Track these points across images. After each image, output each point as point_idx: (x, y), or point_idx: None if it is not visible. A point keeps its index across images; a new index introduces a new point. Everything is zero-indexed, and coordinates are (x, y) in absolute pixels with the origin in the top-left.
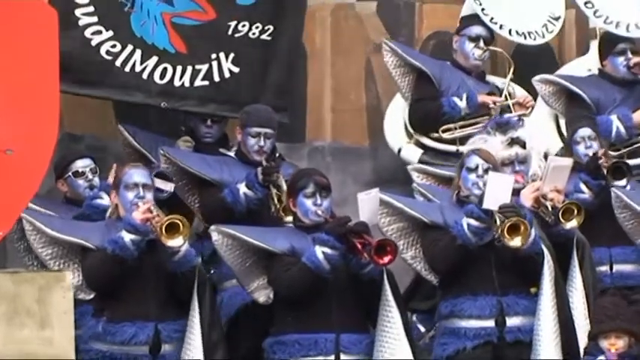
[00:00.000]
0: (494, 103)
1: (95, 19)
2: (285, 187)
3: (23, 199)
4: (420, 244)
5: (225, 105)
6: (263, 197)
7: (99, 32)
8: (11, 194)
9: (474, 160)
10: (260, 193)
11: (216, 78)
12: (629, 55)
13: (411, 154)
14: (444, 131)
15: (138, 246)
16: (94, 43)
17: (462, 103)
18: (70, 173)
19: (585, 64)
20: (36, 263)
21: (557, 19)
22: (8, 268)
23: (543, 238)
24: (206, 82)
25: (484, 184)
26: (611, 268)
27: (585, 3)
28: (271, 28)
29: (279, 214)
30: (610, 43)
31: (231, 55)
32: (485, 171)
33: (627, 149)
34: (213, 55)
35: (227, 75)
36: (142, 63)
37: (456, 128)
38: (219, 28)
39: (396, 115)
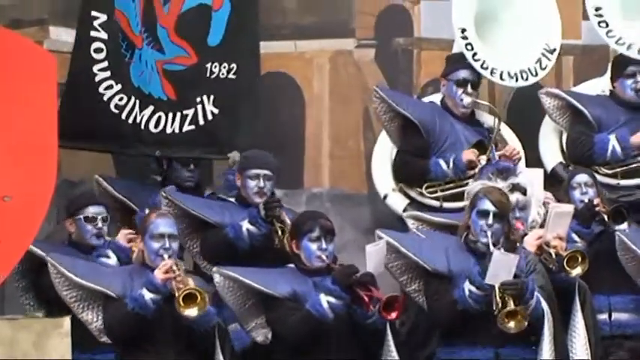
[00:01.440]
0: (480, 161)
1: (108, 73)
2: (288, 220)
3: (22, 245)
4: (424, 290)
5: (211, 147)
6: (267, 233)
7: (110, 87)
8: (10, 240)
9: (486, 205)
10: (264, 229)
11: (201, 121)
12: (638, 78)
13: (397, 202)
14: (427, 188)
15: (157, 304)
16: (106, 98)
17: (448, 170)
18: (81, 216)
19: (600, 85)
20: (32, 303)
21: (552, 51)
22: (6, 313)
23: (544, 286)
24: (192, 127)
25: (492, 235)
26: (610, 316)
27: (599, 22)
28: (234, 66)
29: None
30: (621, 65)
31: (212, 97)
32: (495, 217)
33: (622, 169)
34: (198, 99)
35: (210, 117)
36: (140, 113)
37: (440, 184)
38: (200, 71)
39: (384, 159)
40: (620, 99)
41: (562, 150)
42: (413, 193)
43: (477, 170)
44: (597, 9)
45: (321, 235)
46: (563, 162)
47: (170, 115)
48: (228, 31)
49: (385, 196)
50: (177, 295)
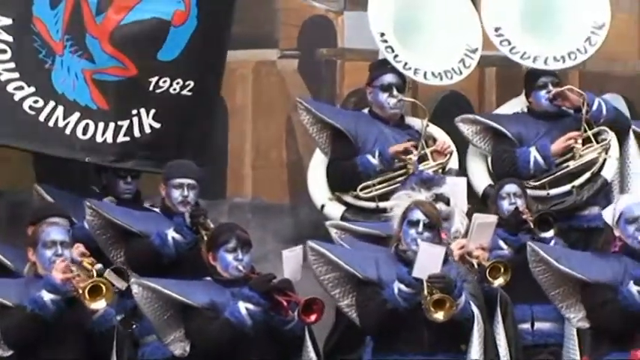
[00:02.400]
0: (407, 149)
1: (17, 74)
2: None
3: None
4: (355, 300)
5: (147, 160)
6: (191, 241)
7: (21, 88)
8: None
9: (416, 215)
10: (189, 237)
11: (137, 134)
12: (550, 87)
13: (334, 210)
14: (362, 189)
15: (58, 305)
16: (17, 98)
17: (374, 160)
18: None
19: (519, 104)
20: None
21: (474, 51)
22: None
23: (476, 294)
24: (127, 138)
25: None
26: (532, 326)
27: (501, 42)
28: (191, 83)
29: None
30: (532, 79)
31: (152, 111)
32: (425, 226)
33: (548, 179)
34: (134, 111)
35: (148, 130)
36: (64, 119)
37: (374, 185)
38: (140, 84)
39: (319, 170)
40: (537, 112)
41: (489, 172)
42: (348, 199)
43: (407, 160)
44: (497, 29)
45: (238, 245)
46: (492, 184)
47: (101, 124)
48: (189, 48)
49: (322, 207)
50: (81, 290)
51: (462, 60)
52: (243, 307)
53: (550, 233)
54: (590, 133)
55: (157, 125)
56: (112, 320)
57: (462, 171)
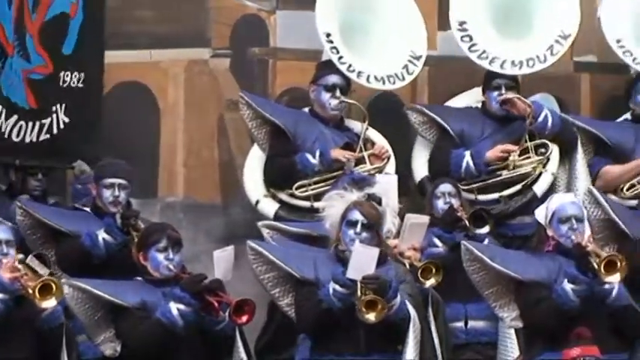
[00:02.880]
0: (348, 159)
1: None
2: None
3: None
4: (294, 300)
5: (61, 156)
6: (122, 242)
7: None
8: None
9: (355, 215)
10: (119, 238)
11: (55, 130)
12: (503, 90)
13: (268, 207)
14: (297, 188)
15: (6, 304)
16: None
17: (314, 161)
18: None
19: (474, 98)
20: None
21: (418, 58)
22: None
23: (414, 294)
24: (48, 136)
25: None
26: (466, 324)
27: (462, 37)
28: (83, 75)
29: None
30: (489, 78)
31: (64, 106)
32: (364, 227)
33: (477, 185)
34: (54, 108)
35: (62, 126)
36: (5, 122)
37: (310, 184)
38: (55, 81)
39: (255, 167)
40: (488, 111)
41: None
42: (283, 196)
43: (345, 166)
44: (461, 23)
45: (169, 245)
46: (429, 175)
47: (30, 124)
48: (80, 40)
49: (257, 202)
50: (31, 289)
51: (405, 66)
52: (174, 307)
53: (485, 229)
54: (530, 144)
55: (67, 120)
56: (61, 317)
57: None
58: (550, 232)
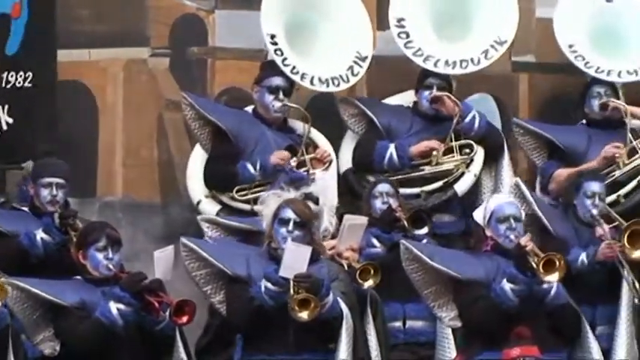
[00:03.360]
0: (290, 163)
1: None
2: None
3: None
4: (225, 297)
5: (7, 158)
6: (60, 242)
7: None
8: None
9: (287, 213)
10: (58, 238)
11: None
12: (435, 90)
13: (209, 208)
14: (237, 192)
15: None
16: None
17: (255, 172)
18: None
19: (407, 99)
20: None
21: (363, 59)
22: None
23: (347, 292)
24: None
25: (292, 240)
26: (404, 324)
27: (399, 33)
28: (30, 74)
29: None
30: (422, 77)
31: (7, 107)
32: (296, 225)
33: (397, 177)
34: None
35: (5, 127)
36: None
37: (250, 188)
38: None
39: (197, 167)
40: (418, 110)
41: None
42: (224, 198)
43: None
44: (400, 20)
45: (108, 244)
46: (352, 166)
47: None
48: (25, 40)
49: (198, 202)
50: None
51: (350, 67)
52: (114, 306)
53: (424, 230)
54: (455, 143)
55: (10, 121)
56: (6, 319)
57: None
58: (488, 232)
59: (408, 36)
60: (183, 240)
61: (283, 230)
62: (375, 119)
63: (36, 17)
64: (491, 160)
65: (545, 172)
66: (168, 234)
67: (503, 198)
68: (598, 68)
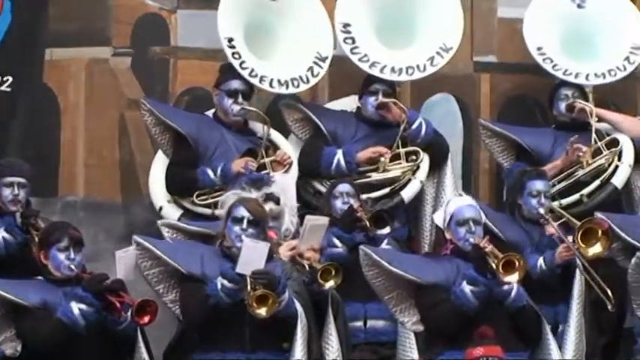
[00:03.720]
0: (250, 166)
1: None
2: None
3: None
4: (179, 295)
5: None
6: (22, 241)
7: None
8: None
9: (241, 212)
10: (20, 237)
11: None
12: (380, 96)
13: (171, 213)
14: (198, 196)
15: None
16: None
17: (215, 178)
18: None
19: (350, 104)
20: None
21: (324, 59)
22: None
23: (301, 292)
24: None
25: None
26: (365, 324)
27: (345, 39)
28: (10, 78)
29: None
30: (367, 82)
31: None
32: (250, 223)
33: None
34: None
35: None
36: None
37: (210, 192)
38: None
39: (160, 172)
40: (362, 115)
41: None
42: (186, 203)
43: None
44: (345, 25)
45: (70, 245)
46: (299, 172)
47: None
48: (5, 43)
49: (160, 208)
50: None
51: (310, 68)
52: (75, 307)
53: (386, 230)
54: (402, 150)
55: None
56: None
57: None
58: (448, 235)
59: (354, 42)
60: (137, 238)
61: (237, 229)
62: (321, 125)
63: (19, 21)
64: (435, 168)
65: (510, 175)
66: (130, 234)
67: (462, 201)
68: (566, 71)
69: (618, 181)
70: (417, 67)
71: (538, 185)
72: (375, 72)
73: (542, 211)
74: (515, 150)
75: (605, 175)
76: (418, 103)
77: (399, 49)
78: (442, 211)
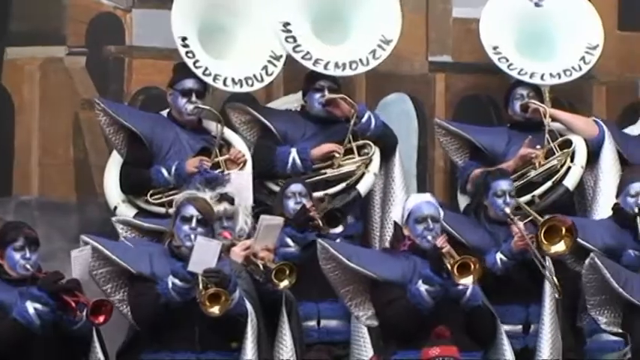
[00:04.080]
0: (204, 165)
1: None
2: None
3: None
4: (127, 293)
5: None
6: None
7: None
8: None
9: (190, 211)
10: None
11: None
12: (326, 92)
13: (126, 213)
14: (152, 195)
15: None
16: None
17: (169, 177)
18: None
19: (293, 102)
20: None
21: (278, 58)
22: None
23: (250, 291)
24: None
25: (195, 237)
26: (318, 323)
27: (286, 37)
28: None
29: None
30: (311, 79)
31: None
32: (199, 222)
33: (307, 180)
34: None
35: None
36: None
37: (164, 191)
38: None
39: (114, 171)
40: (309, 113)
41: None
42: (140, 203)
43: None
44: (285, 24)
45: (25, 244)
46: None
47: None
48: None
49: (115, 208)
50: None
51: (265, 67)
52: (30, 306)
53: (339, 229)
54: (354, 144)
55: None
56: None
57: None
58: (406, 232)
59: (295, 40)
60: (85, 238)
61: (186, 227)
62: (270, 126)
63: None
64: (383, 160)
65: (464, 173)
66: (84, 233)
67: (421, 197)
68: (521, 70)
69: (570, 182)
70: (360, 61)
71: (502, 185)
72: (319, 68)
73: (507, 210)
74: (469, 148)
75: (557, 176)
76: (373, 103)
77: (338, 45)
78: (400, 207)
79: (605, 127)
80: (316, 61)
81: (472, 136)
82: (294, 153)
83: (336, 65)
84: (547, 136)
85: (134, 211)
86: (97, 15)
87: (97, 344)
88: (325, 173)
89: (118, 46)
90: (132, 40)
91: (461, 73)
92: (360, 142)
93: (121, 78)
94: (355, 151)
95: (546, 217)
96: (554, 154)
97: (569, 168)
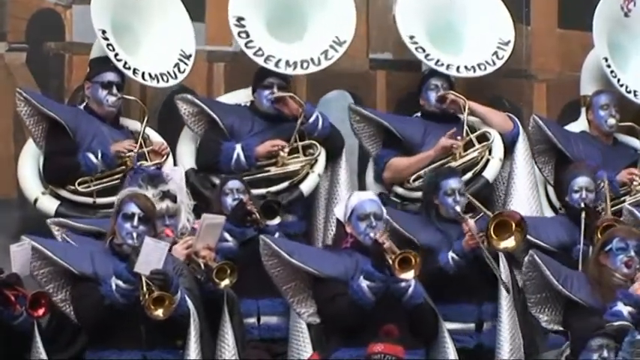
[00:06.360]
0: (130, 150)
1: None
2: None
3: None
4: (70, 294)
5: None
6: None
7: None
8: None
9: (131, 208)
10: None
11: None
12: (275, 89)
13: (48, 205)
14: (80, 184)
15: None
16: None
17: (96, 161)
18: None
19: (243, 98)
20: None
21: (188, 57)
22: None
23: (192, 289)
24: None
25: (138, 237)
26: (258, 320)
27: (239, 33)
28: None
29: None
30: (261, 77)
31: None
32: (140, 220)
33: (247, 178)
34: None
35: None
36: None
37: (92, 180)
38: None
39: (29, 164)
40: (257, 109)
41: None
42: (64, 193)
43: (127, 157)
44: (239, 19)
45: None
46: (195, 168)
47: None
48: None
49: (35, 200)
50: None
51: (176, 65)
52: None
53: (276, 221)
54: (300, 144)
55: None
56: None
57: None
58: (349, 229)
59: (248, 35)
60: (25, 238)
61: (127, 225)
62: (218, 119)
63: None
64: (329, 161)
65: (380, 160)
66: (25, 230)
67: (364, 195)
68: (438, 61)
69: (490, 174)
70: (312, 60)
71: (452, 183)
72: (270, 66)
73: (458, 209)
74: (382, 136)
75: (477, 167)
76: (314, 100)
77: (292, 43)
78: (343, 205)
79: (519, 123)
80: (268, 58)
81: (389, 123)
82: (238, 149)
83: (287, 63)
84: (466, 127)
85: (57, 203)
86: (38, 11)
87: (38, 339)
88: (269, 171)
89: (58, 43)
90: (72, 37)
91: (402, 71)
92: (307, 142)
93: (61, 74)
94: (301, 151)
95: (496, 212)
96: (473, 146)
97: (488, 160)
